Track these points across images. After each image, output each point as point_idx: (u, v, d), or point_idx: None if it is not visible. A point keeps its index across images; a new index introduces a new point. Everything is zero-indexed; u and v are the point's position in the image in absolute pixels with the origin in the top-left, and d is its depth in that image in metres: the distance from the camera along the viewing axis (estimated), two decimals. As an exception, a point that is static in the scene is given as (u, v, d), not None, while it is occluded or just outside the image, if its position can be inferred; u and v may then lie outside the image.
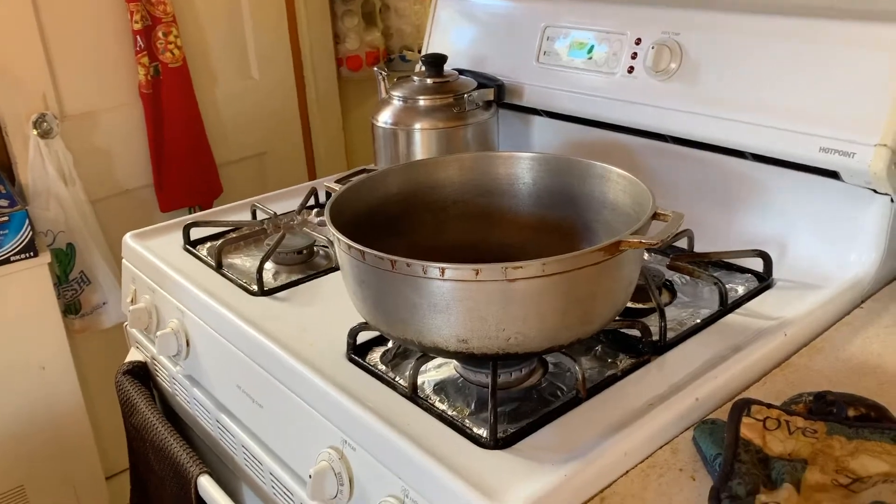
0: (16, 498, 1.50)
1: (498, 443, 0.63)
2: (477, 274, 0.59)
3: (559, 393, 0.71)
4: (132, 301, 1.05)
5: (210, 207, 1.80)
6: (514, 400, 0.70)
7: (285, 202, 1.15)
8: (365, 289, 0.66)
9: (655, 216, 0.67)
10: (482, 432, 0.65)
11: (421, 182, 0.85)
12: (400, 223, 0.83)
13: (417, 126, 1.05)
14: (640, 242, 0.62)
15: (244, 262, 1.00)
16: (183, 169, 1.71)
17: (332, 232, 0.67)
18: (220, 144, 1.77)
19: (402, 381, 0.72)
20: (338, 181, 0.80)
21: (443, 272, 0.60)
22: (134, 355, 1.10)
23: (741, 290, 0.86)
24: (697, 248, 0.94)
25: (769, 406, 0.63)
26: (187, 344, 0.94)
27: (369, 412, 0.68)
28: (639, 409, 0.66)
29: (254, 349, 0.82)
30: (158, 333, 0.95)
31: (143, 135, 1.64)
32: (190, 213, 1.77)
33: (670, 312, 0.82)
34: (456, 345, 0.64)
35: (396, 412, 0.68)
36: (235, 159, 1.83)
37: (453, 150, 1.05)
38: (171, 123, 1.65)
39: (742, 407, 0.62)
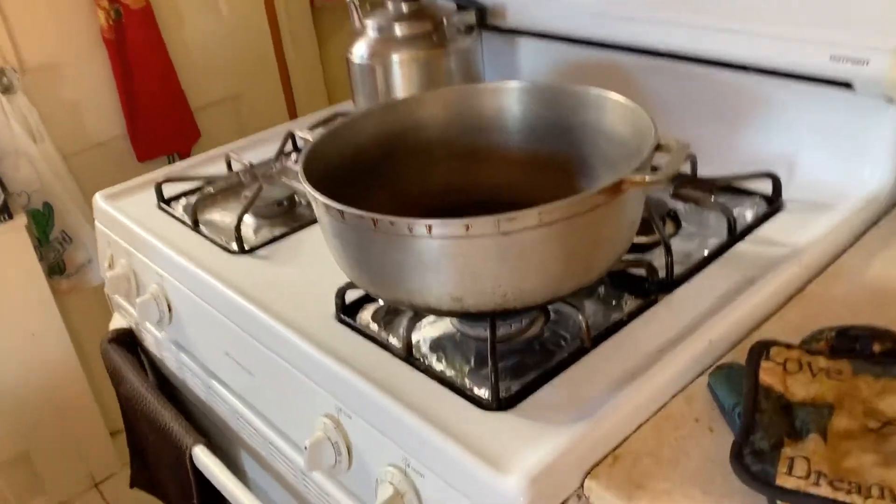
0: (21, 464, 1.49)
1: (501, 404, 0.59)
2: (468, 229, 0.54)
3: (563, 342, 0.67)
4: (109, 266, 1.00)
5: (188, 154, 1.73)
6: (515, 353, 0.66)
7: (262, 149, 1.09)
8: (348, 249, 0.61)
9: (658, 147, 0.62)
10: (484, 392, 0.61)
11: (401, 123, 0.79)
12: (382, 170, 0.77)
13: (395, 58, 0.97)
14: (645, 181, 0.56)
15: (223, 217, 0.95)
16: (157, 116, 1.63)
17: (307, 189, 0.61)
18: (193, 87, 1.68)
19: (395, 342, 0.68)
20: (312, 127, 0.74)
21: (430, 229, 0.55)
22: (118, 321, 1.06)
23: (750, 215, 0.81)
24: (701, 173, 0.88)
25: (789, 347, 0.59)
26: (169, 310, 0.89)
27: (363, 378, 0.64)
28: (648, 357, 0.62)
29: (238, 314, 0.77)
30: (138, 300, 0.90)
31: (111, 83, 1.55)
32: (169, 162, 1.70)
33: (676, 244, 0.77)
34: (449, 303, 0.59)
35: (392, 376, 0.64)
36: (211, 102, 1.74)
37: (436, 83, 0.99)
38: (139, 69, 1.57)
39: (760, 350, 0.58)
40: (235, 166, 1.03)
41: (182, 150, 1.71)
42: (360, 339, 0.69)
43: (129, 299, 1.00)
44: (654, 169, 0.59)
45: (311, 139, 0.69)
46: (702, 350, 0.63)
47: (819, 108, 0.83)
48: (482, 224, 0.54)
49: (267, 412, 0.79)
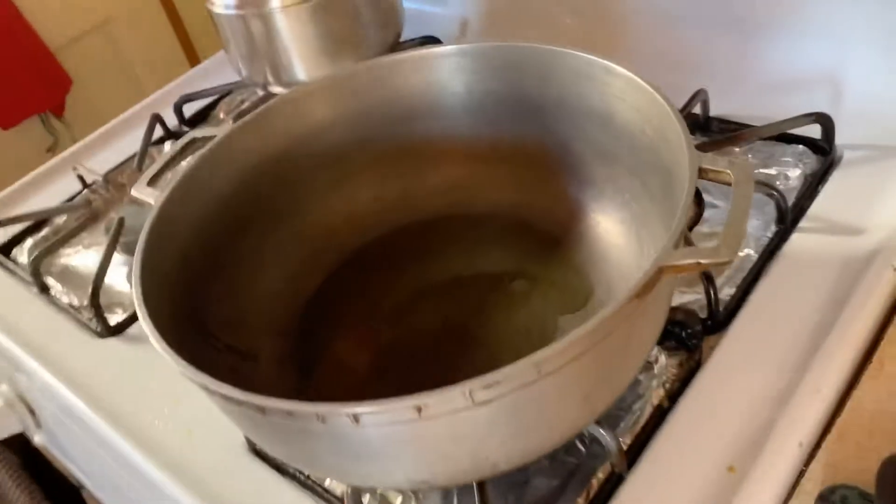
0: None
1: None
2: (420, 412, 0.32)
3: (580, 456, 0.46)
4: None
5: (62, 110, 1.42)
6: (513, 487, 0.45)
7: (124, 140, 0.82)
8: (245, 425, 0.38)
9: (704, 172, 0.38)
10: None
11: (289, 133, 0.53)
12: (276, 210, 0.53)
13: (275, 4, 0.69)
14: (699, 265, 0.34)
15: (85, 259, 0.70)
16: (8, 68, 1.31)
17: (154, 340, 0.37)
18: (46, 23, 1.34)
19: (339, 493, 0.46)
20: (157, 176, 0.48)
21: (356, 419, 0.32)
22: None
23: (795, 176, 0.59)
24: (716, 111, 0.64)
25: (931, 459, 0.39)
26: (31, 413, 0.66)
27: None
28: (712, 476, 0.42)
29: (106, 445, 0.55)
30: (-11, 403, 0.67)
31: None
32: (44, 125, 1.40)
33: (701, 239, 0.55)
34: (410, 485, 0.37)
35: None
36: (74, 36, 1.41)
37: (340, 36, 0.70)
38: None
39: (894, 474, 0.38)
40: (89, 178, 0.76)
41: (53, 105, 1.41)
42: (291, 489, 0.47)
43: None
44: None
45: (150, 215, 0.44)
46: (792, 454, 0.42)
47: (873, 4, 0.59)
48: (443, 400, 0.31)
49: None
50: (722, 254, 0.33)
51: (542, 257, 0.53)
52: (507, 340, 0.49)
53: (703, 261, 0.33)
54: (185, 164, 0.48)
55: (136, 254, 0.42)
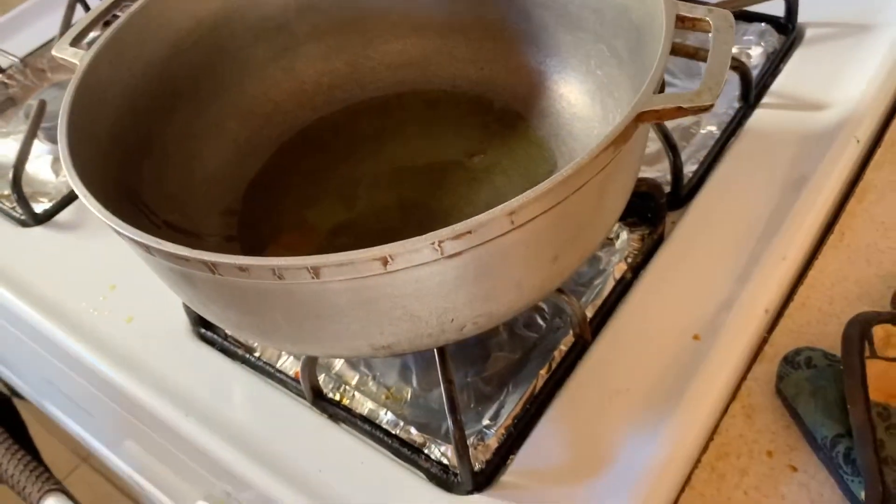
0: None
1: (477, 480, 0.38)
2: (385, 265, 0.29)
3: (541, 331, 0.45)
4: None
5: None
6: (473, 361, 0.44)
7: (41, 21, 0.75)
8: (191, 293, 0.35)
9: (680, 21, 0.36)
10: (444, 453, 0.40)
11: (229, 1, 0.49)
12: (212, 85, 0.49)
13: None
14: (680, 110, 0.32)
15: (2, 148, 0.64)
16: None
17: (78, 190, 0.34)
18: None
19: (292, 373, 0.44)
20: (78, 37, 0.43)
21: (316, 273, 0.29)
22: None
23: (756, 55, 0.57)
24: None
25: (893, 319, 0.38)
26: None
27: (248, 458, 0.41)
28: (679, 341, 0.41)
29: (40, 339, 0.51)
30: None
31: None
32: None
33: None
34: (371, 352, 0.35)
35: (294, 437, 0.41)
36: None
37: None
38: None
39: (861, 336, 0.37)
40: (3, 62, 0.70)
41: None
42: (234, 368, 0.45)
43: None
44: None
45: (69, 87, 0.40)
46: (756, 323, 0.42)
47: None
48: (410, 251, 0.29)
49: (137, 468, 0.57)
50: (704, 98, 0.31)
51: (503, 135, 0.50)
52: (466, 216, 0.47)
53: (684, 105, 0.31)
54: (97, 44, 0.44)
55: (60, 115, 0.38)
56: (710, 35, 0.35)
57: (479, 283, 0.32)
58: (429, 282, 0.31)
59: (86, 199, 0.33)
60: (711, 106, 0.32)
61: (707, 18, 0.35)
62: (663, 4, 0.36)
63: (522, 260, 0.32)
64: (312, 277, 0.29)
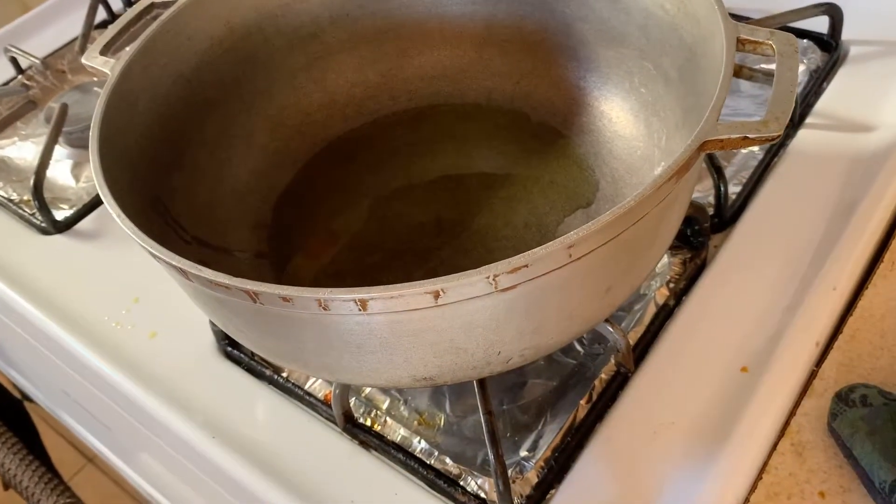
0: None
1: (517, 515, 0.37)
2: (437, 298, 0.28)
3: (579, 357, 0.43)
4: None
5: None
6: (509, 388, 0.42)
7: (63, 22, 0.73)
8: (226, 317, 0.34)
9: (741, 44, 0.34)
10: (481, 486, 0.38)
11: (262, 10, 0.47)
12: (245, 93, 0.48)
13: None
14: (746, 139, 0.30)
15: (22, 151, 0.63)
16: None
17: (118, 217, 0.32)
18: None
19: (321, 396, 0.43)
20: (109, 45, 0.42)
21: (364, 305, 0.28)
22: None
23: (799, 73, 0.55)
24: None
25: (955, 356, 0.37)
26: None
27: (277, 484, 0.39)
28: (724, 377, 0.40)
29: (59, 350, 0.50)
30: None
31: None
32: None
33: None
34: (412, 383, 0.34)
35: (325, 464, 0.40)
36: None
37: None
38: None
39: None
40: (23, 63, 0.68)
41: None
42: (263, 390, 0.44)
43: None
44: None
45: (106, 79, 0.38)
46: (808, 353, 0.40)
47: None
48: (465, 286, 0.28)
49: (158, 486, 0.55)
50: (771, 128, 0.30)
51: (541, 151, 0.49)
52: (504, 238, 0.45)
53: (750, 135, 0.30)
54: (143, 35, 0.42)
55: (92, 125, 0.36)
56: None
57: (531, 316, 0.31)
58: (479, 315, 0.29)
59: (121, 220, 0.31)
60: (779, 136, 0.30)
61: (770, 42, 0.34)
62: (723, 26, 0.34)
63: (576, 292, 0.31)
64: (359, 310, 0.28)
